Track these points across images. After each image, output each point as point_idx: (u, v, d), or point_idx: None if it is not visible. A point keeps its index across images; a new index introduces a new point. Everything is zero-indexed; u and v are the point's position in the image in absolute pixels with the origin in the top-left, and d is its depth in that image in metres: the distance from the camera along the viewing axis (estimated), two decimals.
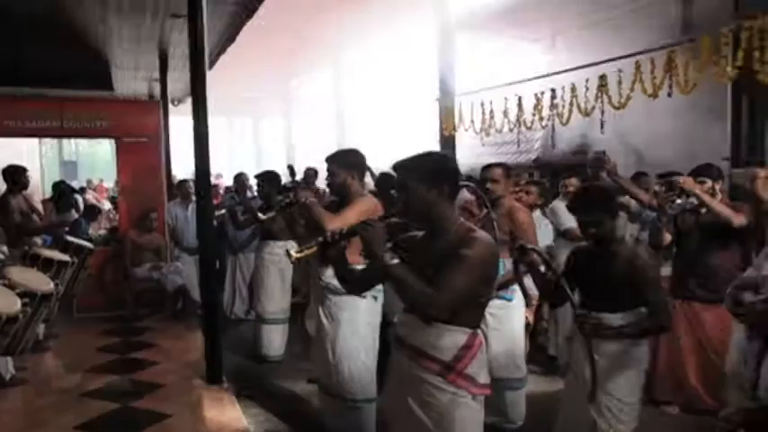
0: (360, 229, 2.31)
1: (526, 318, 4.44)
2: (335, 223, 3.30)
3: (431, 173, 2.34)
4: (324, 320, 3.87)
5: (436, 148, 9.41)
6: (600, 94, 6.88)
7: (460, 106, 9.46)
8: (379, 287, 3.69)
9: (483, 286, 2.33)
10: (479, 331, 2.39)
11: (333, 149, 4.03)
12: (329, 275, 3.70)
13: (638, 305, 2.95)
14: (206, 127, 4.96)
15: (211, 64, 8.73)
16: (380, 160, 5.61)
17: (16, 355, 4.84)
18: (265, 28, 8.87)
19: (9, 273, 4.03)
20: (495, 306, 3.87)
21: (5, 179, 6.23)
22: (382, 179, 5.17)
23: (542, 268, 3.01)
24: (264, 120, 22.54)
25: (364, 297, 3.70)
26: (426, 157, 2.44)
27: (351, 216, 3.39)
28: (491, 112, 8.90)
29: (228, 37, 8.15)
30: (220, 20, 7.15)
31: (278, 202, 4.47)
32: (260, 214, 5.41)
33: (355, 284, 2.73)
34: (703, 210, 4.12)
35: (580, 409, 2.98)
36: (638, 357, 2.98)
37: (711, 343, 4.07)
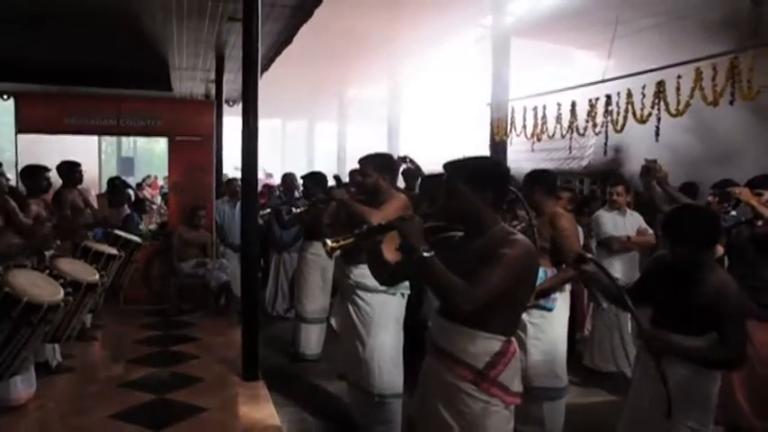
0: (398, 222, 2.29)
1: None
2: (377, 217, 3.34)
3: (479, 176, 2.31)
4: (354, 317, 3.93)
5: (486, 152, 9.33)
6: (657, 101, 6.69)
7: (512, 111, 9.35)
8: (407, 284, 3.72)
9: (519, 290, 2.26)
10: (513, 339, 2.32)
11: None
12: (358, 274, 3.80)
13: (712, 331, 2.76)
14: (255, 128, 5.01)
15: (266, 66, 8.84)
16: (431, 165, 5.61)
17: (62, 343, 4.97)
18: (321, 32, 8.93)
19: (57, 263, 4.12)
20: (535, 315, 3.84)
21: (60, 174, 6.42)
22: (427, 182, 5.21)
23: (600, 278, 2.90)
24: (319, 123, 22.78)
25: (394, 294, 3.76)
26: (477, 159, 2.41)
27: (390, 211, 3.44)
28: (543, 117, 8.78)
29: (284, 40, 8.23)
30: (276, 22, 7.21)
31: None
32: (293, 209, 5.47)
33: (389, 278, 2.68)
34: (759, 222, 3.94)
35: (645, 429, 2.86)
36: (709, 385, 2.81)
37: (761, 361, 3.87)
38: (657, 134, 6.74)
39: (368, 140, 15.86)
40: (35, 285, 3.32)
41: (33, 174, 5.48)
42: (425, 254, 2.18)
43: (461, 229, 2.43)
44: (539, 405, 3.90)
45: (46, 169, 5.60)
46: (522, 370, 2.44)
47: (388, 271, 2.58)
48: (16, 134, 7.35)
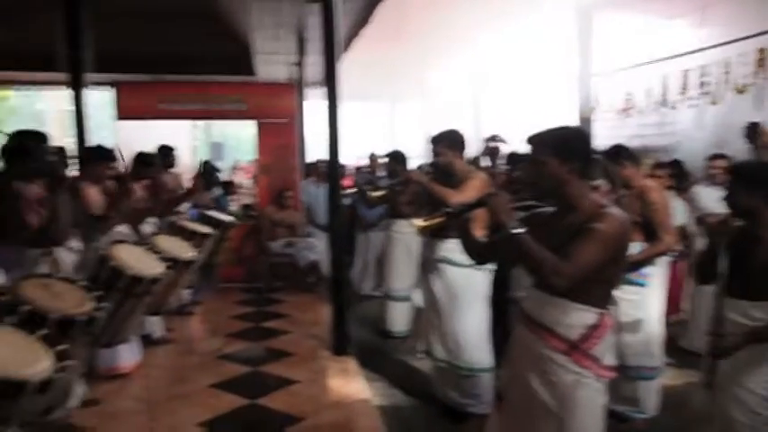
0: (487, 199, 2.28)
1: None
2: (456, 198, 3.31)
3: (564, 147, 2.25)
4: (439, 293, 3.92)
5: None
6: (759, 69, 6.27)
7: (599, 86, 9.02)
8: None
9: (612, 264, 2.20)
10: (609, 312, 2.27)
11: (465, 132, 4.06)
12: (444, 248, 3.78)
13: None
14: (337, 109, 5.06)
15: (345, 47, 8.88)
16: (516, 142, 5.53)
17: (163, 317, 5.26)
18: (400, 10, 8.88)
19: (156, 240, 4.31)
20: (629, 291, 3.71)
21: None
22: (513, 158, 5.14)
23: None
24: (400, 104, 22.72)
25: (480, 269, 3.70)
26: (560, 130, 2.34)
27: (470, 192, 3.39)
28: (632, 92, 8.44)
29: (362, 19, 8.24)
30: (355, 2, 7.24)
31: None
32: (371, 193, 5.49)
33: (480, 255, 2.67)
34: None
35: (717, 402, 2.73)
36: None
37: None
38: (761, 103, 6.31)
39: (451, 119, 15.73)
40: (137, 260, 3.49)
41: (138, 160, 5.73)
42: (515, 230, 2.17)
43: (551, 205, 2.39)
44: (632, 384, 3.80)
45: (149, 155, 5.86)
46: (614, 347, 2.38)
47: (479, 248, 2.57)
48: (116, 121, 7.70)
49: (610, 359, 2.28)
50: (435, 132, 3.99)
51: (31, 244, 3.08)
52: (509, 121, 12.63)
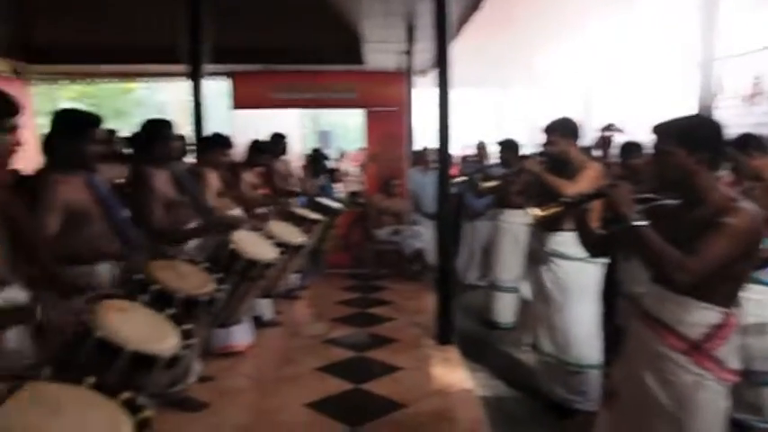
0: (607, 189, 2.22)
1: None
2: (572, 189, 3.23)
3: (692, 137, 2.14)
4: (549, 286, 3.85)
5: None
6: None
7: (723, 71, 8.48)
8: None
9: (741, 261, 2.08)
10: (735, 312, 2.16)
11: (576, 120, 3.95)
12: (555, 241, 3.71)
13: None
14: (448, 96, 5.03)
15: (455, 34, 8.81)
16: (630, 132, 5.33)
17: (274, 299, 5.45)
18: None
19: (270, 226, 4.48)
20: (756, 291, 3.47)
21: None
22: (627, 148, 4.95)
23: None
24: (508, 90, 22.31)
25: (592, 263, 3.62)
26: (689, 120, 2.23)
27: (585, 183, 3.29)
28: (761, 76, 7.87)
29: (473, 5, 8.15)
30: None
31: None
32: (482, 183, 5.44)
33: (596, 247, 2.60)
34: None
35: None
36: None
37: None
38: None
39: (562, 107, 15.29)
40: (254, 244, 3.65)
41: (253, 148, 5.95)
42: (637, 222, 2.09)
43: (672, 198, 2.28)
44: (757, 390, 3.58)
45: (264, 144, 6.07)
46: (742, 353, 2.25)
47: (596, 240, 2.51)
48: (231, 110, 8.03)
49: (734, 362, 2.16)
50: (547, 121, 3.90)
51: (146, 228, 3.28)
52: (622, 109, 12.14)
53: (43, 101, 12.32)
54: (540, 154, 4.30)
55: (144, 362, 1.97)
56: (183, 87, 10.88)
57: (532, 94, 19.60)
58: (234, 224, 3.70)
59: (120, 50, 9.42)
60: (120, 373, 1.91)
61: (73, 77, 11.58)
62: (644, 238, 2.09)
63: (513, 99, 21.62)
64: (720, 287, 2.10)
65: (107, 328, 1.99)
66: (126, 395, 1.46)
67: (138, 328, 2.09)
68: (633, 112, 11.28)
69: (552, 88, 17.78)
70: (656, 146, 2.23)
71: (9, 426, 1.13)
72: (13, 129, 2.02)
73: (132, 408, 1.43)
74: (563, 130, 3.78)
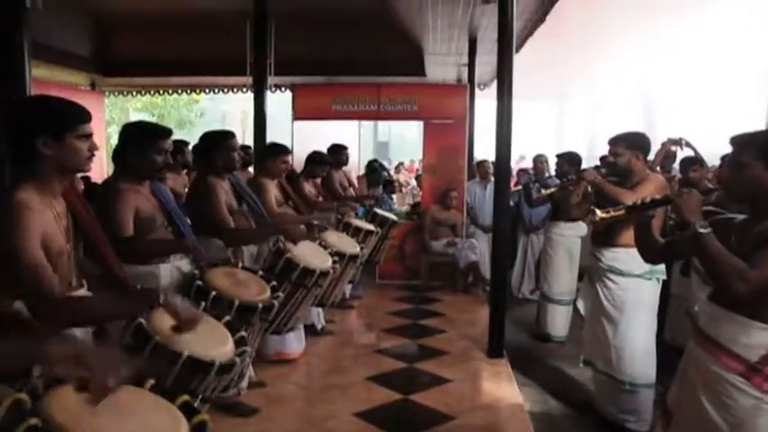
0: (675, 196, 2.23)
1: None
2: (631, 198, 3.22)
3: None
4: (605, 302, 3.83)
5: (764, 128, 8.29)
6: None
7: None
8: (663, 269, 3.57)
9: None
10: None
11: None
12: (610, 257, 3.70)
13: None
14: (510, 109, 5.06)
15: (519, 47, 8.79)
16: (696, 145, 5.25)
17: (326, 308, 5.54)
18: (573, 7, 8.63)
19: (325, 236, 4.57)
20: None
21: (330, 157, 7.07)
22: (686, 162, 4.93)
23: None
24: (567, 103, 22.02)
25: (649, 279, 3.63)
26: (766, 134, 2.22)
27: (645, 192, 3.27)
28: None
29: (538, 19, 8.12)
30: (529, 2, 7.17)
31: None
32: (542, 189, 5.45)
33: (656, 255, 2.60)
34: None
35: None
36: None
37: None
38: None
39: (622, 119, 15.00)
40: (310, 253, 3.74)
41: (312, 158, 6.07)
42: (702, 230, 2.09)
43: (740, 212, 2.27)
44: None
45: (323, 155, 6.18)
46: None
47: (656, 248, 2.49)
48: (293, 122, 8.21)
49: None
50: (607, 133, 3.89)
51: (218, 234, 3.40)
52: (685, 121, 11.82)
53: (114, 111, 12.89)
54: (601, 166, 4.26)
55: (200, 367, 2.06)
56: (244, 98, 11.24)
57: (592, 106, 19.30)
58: (289, 234, 3.79)
59: (188, 64, 9.81)
60: (177, 377, 2.00)
61: (144, 89, 12.12)
62: (707, 245, 2.09)
63: (573, 111, 21.35)
64: None
65: (165, 333, 2.10)
66: (183, 398, 1.55)
67: (196, 334, 2.19)
68: (698, 124, 10.98)
69: (613, 100, 17.48)
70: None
71: (76, 426, 1.22)
72: (88, 136, 2.14)
73: (189, 411, 1.51)
74: (629, 141, 3.76)
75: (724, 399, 2.11)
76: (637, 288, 3.69)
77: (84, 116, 2.13)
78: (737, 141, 2.21)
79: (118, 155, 3.00)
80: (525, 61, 9.38)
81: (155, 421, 1.41)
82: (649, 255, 2.57)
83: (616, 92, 16.79)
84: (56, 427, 1.19)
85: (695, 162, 5.18)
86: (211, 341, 2.22)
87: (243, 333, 2.40)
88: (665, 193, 2.38)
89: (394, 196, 9.53)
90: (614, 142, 3.80)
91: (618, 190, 3.65)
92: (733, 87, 10.99)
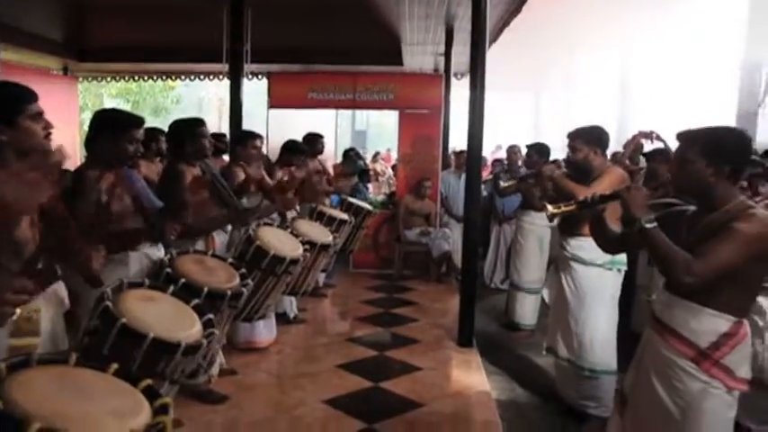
0: (622, 192, 2.30)
1: None
2: (584, 193, 3.28)
3: (715, 148, 2.17)
4: (567, 290, 3.91)
5: (732, 123, 8.46)
6: None
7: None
8: (624, 259, 3.66)
9: (755, 268, 2.12)
10: (746, 321, 2.19)
11: (610, 124, 3.99)
12: (574, 245, 3.78)
13: None
14: (482, 100, 5.12)
15: (495, 38, 8.85)
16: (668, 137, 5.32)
17: (298, 297, 5.56)
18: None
19: (297, 224, 4.58)
20: None
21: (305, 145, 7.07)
22: (651, 154, 5.06)
23: None
24: (544, 94, 22.18)
25: (610, 269, 3.71)
26: (715, 131, 2.24)
27: (600, 187, 3.33)
28: None
29: (514, 9, 8.16)
30: None
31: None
32: (501, 182, 5.53)
33: (610, 246, 2.66)
34: None
35: None
36: None
37: None
38: None
39: (597, 111, 15.14)
40: (280, 241, 3.76)
41: (287, 147, 6.07)
42: (647, 225, 2.15)
43: (694, 204, 2.33)
44: None
45: (298, 143, 6.17)
46: (757, 361, 2.26)
47: (611, 239, 2.57)
48: (268, 109, 8.19)
49: (746, 371, 2.18)
50: (575, 127, 3.93)
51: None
52: (659, 112, 11.96)
53: (87, 97, 12.72)
54: (565, 160, 4.35)
55: (166, 348, 2.09)
56: (221, 85, 11.15)
57: (569, 98, 19.46)
58: (257, 213, 3.83)
59: (164, 50, 9.73)
60: (144, 358, 2.02)
61: (119, 75, 11.98)
62: (653, 239, 2.15)
63: (550, 104, 21.52)
64: (730, 294, 2.13)
65: (131, 315, 2.12)
66: (146, 382, 1.57)
67: (163, 316, 2.21)
68: (670, 117, 11.12)
69: (589, 93, 17.64)
70: (677, 152, 2.28)
71: (38, 409, 1.24)
72: (40, 114, 2.13)
73: (151, 394, 1.54)
74: (587, 137, 3.81)
75: (674, 382, 2.19)
76: (598, 277, 3.76)
77: (29, 96, 2.14)
78: (683, 138, 2.26)
79: (89, 142, 2.99)
80: (503, 52, 9.45)
81: (116, 404, 1.43)
82: (605, 245, 2.65)
83: (593, 84, 16.94)
84: (18, 409, 1.21)
85: (660, 153, 5.26)
86: (178, 324, 2.25)
87: (210, 316, 2.42)
88: (613, 189, 2.44)
89: (369, 185, 9.53)
90: (572, 137, 3.85)
91: (572, 186, 3.72)
92: (706, 80, 11.14)
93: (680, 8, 10.95)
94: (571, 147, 3.85)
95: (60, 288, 2.27)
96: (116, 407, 1.41)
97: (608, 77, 15.69)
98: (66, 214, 2.30)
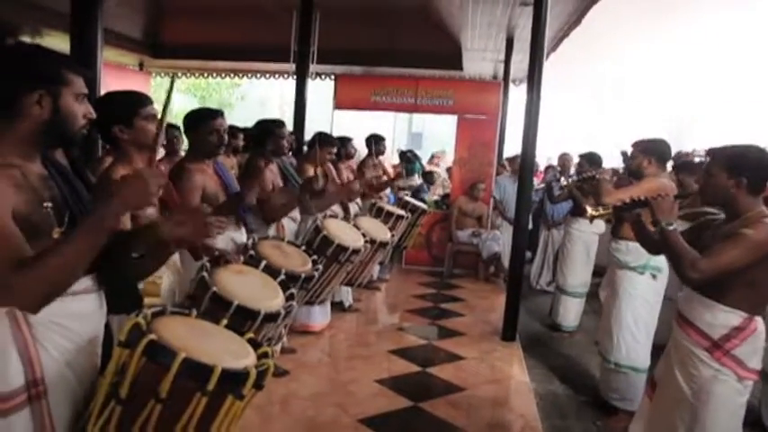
0: (650, 198, 2.62)
1: None
2: (613, 195, 3.59)
3: (735, 162, 2.48)
4: (607, 290, 4.25)
5: None
6: None
7: None
8: (659, 265, 3.87)
9: (759, 270, 2.39)
10: (760, 319, 2.48)
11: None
12: (614, 248, 4.09)
13: None
14: (537, 108, 5.40)
15: (554, 47, 9.07)
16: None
17: (354, 288, 5.97)
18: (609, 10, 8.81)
19: (359, 220, 4.92)
20: None
21: (368, 145, 7.46)
22: (681, 166, 5.27)
23: None
24: (605, 105, 22.07)
25: (642, 273, 3.95)
26: (736, 147, 2.56)
27: (633, 190, 3.60)
28: None
29: (574, 21, 8.36)
30: (566, 5, 7.42)
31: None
32: (554, 191, 5.78)
33: (653, 247, 2.92)
34: None
35: None
36: None
37: None
38: None
39: (654, 124, 15.10)
40: (344, 232, 4.15)
41: (344, 144, 6.45)
42: (667, 227, 2.47)
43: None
44: None
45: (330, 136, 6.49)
46: None
47: (651, 240, 2.84)
48: (333, 110, 8.60)
49: (756, 363, 2.47)
50: (637, 138, 4.14)
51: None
52: (717, 130, 11.94)
53: (159, 92, 13.48)
54: (625, 168, 4.60)
55: (248, 315, 2.46)
56: (284, 84, 11.62)
57: (629, 110, 19.39)
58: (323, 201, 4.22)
59: (234, 49, 10.30)
60: (229, 322, 2.39)
61: (189, 72, 12.63)
62: (669, 239, 2.49)
63: (608, 113, 21.42)
64: (741, 293, 2.42)
65: (222, 285, 2.51)
66: (249, 335, 1.97)
67: (250, 288, 2.62)
68: (729, 136, 11.10)
69: (648, 106, 17.59)
70: (705, 167, 2.61)
71: (180, 343, 1.64)
72: (154, 116, 2.54)
73: (254, 345, 1.94)
74: (644, 146, 4.03)
75: (690, 369, 2.51)
76: (630, 280, 4.01)
77: (145, 100, 2.57)
78: (710, 153, 2.60)
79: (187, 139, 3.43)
80: (568, 60, 9.56)
81: (231, 346, 1.84)
82: (648, 246, 2.95)
83: (652, 98, 16.90)
84: (166, 340, 1.63)
85: (686, 166, 5.39)
86: (263, 294, 2.64)
87: (293, 290, 2.82)
88: (647, 195, 2.74)
89: (431, 186, 9.86)
90: (634, 145, 4.10)
91: (605, 189, 3.98)
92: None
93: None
94: (631, 154, 4.11)
95: (177, 258, 2.72)
96: (231, 348, 1.82)
97: (668, 92, 15.66)
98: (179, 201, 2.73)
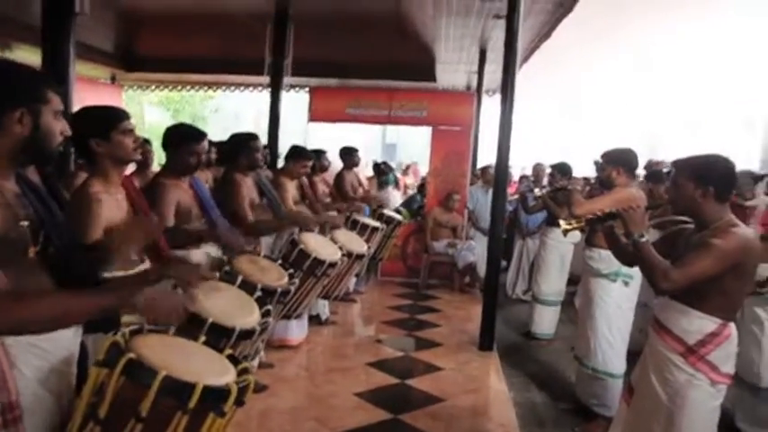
0: (621, 210, 2.66)
1: None
2: (584, 207, 3.66)
3: (701, 172, 2.53)
4: (582, 297, 4.31)
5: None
6: None
7: None
8: (629, 272, 3.90)
9: (732, 278, 2.44)
10: (733, 324, 2.53)
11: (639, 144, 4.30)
12: (587, 255, 4.16)
13: None
14: (510, 120, 5.46)
15: (526, 58, 9.18)
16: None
17: (331, 300, 5.94)
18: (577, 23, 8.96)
19: (336, 234, 4.93)
20: None
21: (342, 158, 7.46)
22: (650, 176, 5.36)
23: None
24: (580, 115, 22.38)
25: (614, 281, 4.00)
26: (701, 157, 2.61)
27: (604, 202, 3.67)
28: None
29: (544, 34, 8.48)
30: (537, 18, 7.53)
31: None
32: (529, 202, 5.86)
33: (626, 258, 2.94)
34: None
35: None
36: None
37: None
38: None
39: (626, 134, 15.36)
40: (320, 246, 4.15)
41: (319, 156, 6.45)
42: (639, 239, 2.52)
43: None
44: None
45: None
46: (753, 369, 2.52)
47: (625, 251, 2.87)
48: (308, 123, 8.59)
49: (729, 367, 2.52)
50: (607, 148, 4.17)
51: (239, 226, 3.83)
52: (685, 143, 12.18)
53: (131, 104, 13.38)
54: (596, 178, 4.68)
55: (222, 332, 2.45)
56: (258, 97, 11.61)
57: (602, 120, 19.68)
58: (302, 221, 4.24)
59: (207, 61, 10.24)
60: (206, 339, 2.38)
61: (162, 85, 12.53)
62: (641, 250, 2.53)
63: (583, 124, 21.72)
64: (716, 300, 2.47)
65: (197, 302, 2.49)
66: (228, 351, 1.97)
67: (226, 305, 2.61)
68: (702, 148, 11.28)
69: (620, 116, 17.89)
70: (672, 177, 2.66)
71: (160, 361, 1.62)
72: (131, 131, 2.53)
73: (233, 361, 1.93)
74: (612, 157, 4.07)
75: (665, 374, 2.55)
76: (603, 287, 4.07)
77: (121, 115, 2.55)
78: (677, 164, 2.65)
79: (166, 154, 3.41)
80: (540, 72, 9.68)
81: (211, 363, 1.84)
82: (621, 258, 2.99)
83: (623, 109, 17.19)
84: (146, 358, 1.61)
85: (656, 175, 5.50)
86: (237, 312, 2.63)
87: (269, 307, 2.82)
88: (617, 206, 2.79)
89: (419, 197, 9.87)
90: (602, 157, 4.15)
91: (576, 200, 3.99)
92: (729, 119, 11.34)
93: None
94: (599, 165, 4.18)
95: None
96: (211, 365, 1.81)
97: (639, 103, 15.95)
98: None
